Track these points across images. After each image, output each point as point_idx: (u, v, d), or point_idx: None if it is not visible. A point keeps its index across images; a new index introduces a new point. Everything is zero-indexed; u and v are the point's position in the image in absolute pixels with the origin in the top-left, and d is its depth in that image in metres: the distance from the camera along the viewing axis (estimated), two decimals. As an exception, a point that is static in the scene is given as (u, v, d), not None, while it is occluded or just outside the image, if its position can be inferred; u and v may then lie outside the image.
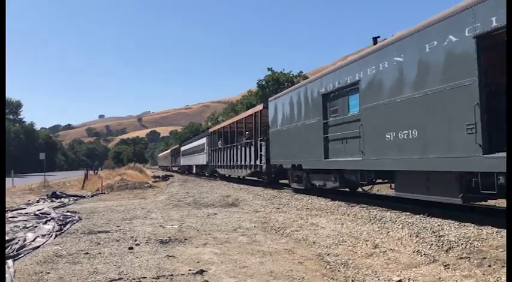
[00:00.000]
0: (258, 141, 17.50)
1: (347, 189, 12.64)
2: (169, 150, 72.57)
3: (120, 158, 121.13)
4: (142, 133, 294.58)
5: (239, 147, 20.79)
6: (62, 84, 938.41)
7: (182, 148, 48.52)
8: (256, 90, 55.44)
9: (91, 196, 18.81)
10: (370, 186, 11.24)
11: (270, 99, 16.68)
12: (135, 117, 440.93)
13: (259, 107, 18.17)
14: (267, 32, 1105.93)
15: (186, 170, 45.54)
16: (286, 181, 16.26)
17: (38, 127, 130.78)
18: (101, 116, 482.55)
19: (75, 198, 17.44)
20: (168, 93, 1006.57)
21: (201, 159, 33.22)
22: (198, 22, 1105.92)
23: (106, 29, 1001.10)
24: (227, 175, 25.91)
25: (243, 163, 20.00)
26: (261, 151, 17.06)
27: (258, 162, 17.54)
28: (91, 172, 35.83)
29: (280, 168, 15.52)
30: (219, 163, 25.64)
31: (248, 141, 19.33)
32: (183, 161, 47.17)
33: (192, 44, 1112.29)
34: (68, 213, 10.77)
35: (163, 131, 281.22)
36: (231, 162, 22.27)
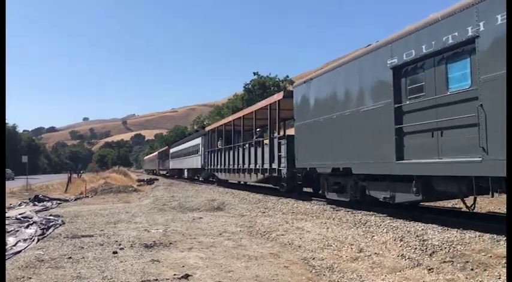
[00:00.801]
0: (276, 140, 14.45)
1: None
2: (156, 153, 68.81)
3: (104, 161, 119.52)
4: (127, 136, 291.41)
5: (246, 147, 17.61)
6: (45, 86, 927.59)
7: (171, 150, 43.99)
8: (242, 94, 55.62)
9: (74, 200, 18.54)
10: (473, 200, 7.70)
11: (296, 83, 13.34)
12: (120, 120, 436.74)
13: (278, 96, 14.71)
14: (256, 34, 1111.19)
15: (176, 174, 41.67)
16: (306, 188, 14.16)
17: (20, 130, 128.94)
18: (85, 119, 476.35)
19: (58, 201, 17.16)
20: (153, 96, 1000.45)
21: (195, 162, 29.49)
22: (186, 24, 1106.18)
23: (91, 30, 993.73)
24: (228, 180, 22.72)
25: (251, 166, 16.77)
26: (279, 152, 13.93)
27: (274, 165, 14.36)
28: (74, 175, 35.32)
29: (310, 173, 12.12)
30: (218, 166, 22.29)
31: (259, 139, 16.47)
32: (173, 164, 42.49)
33: (178, 46, 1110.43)
34: (51, 217, 10.60)
35: (149, 134, 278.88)
36: (235, 166, 19.04)
